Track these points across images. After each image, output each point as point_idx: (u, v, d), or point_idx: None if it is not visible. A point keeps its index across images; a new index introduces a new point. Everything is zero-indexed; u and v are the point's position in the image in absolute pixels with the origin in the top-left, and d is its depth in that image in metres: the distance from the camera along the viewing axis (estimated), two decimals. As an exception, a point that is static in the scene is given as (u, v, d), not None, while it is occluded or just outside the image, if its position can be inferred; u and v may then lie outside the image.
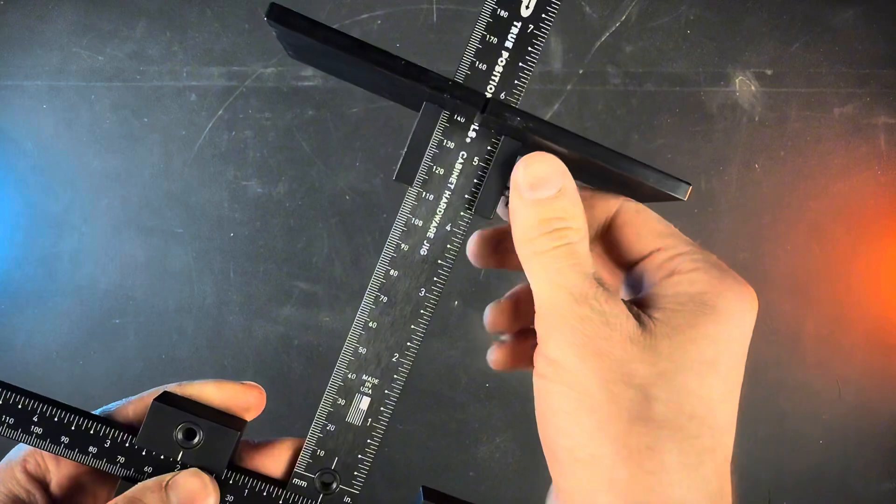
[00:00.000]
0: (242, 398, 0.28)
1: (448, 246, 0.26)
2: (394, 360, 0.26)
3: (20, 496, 0.25)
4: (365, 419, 0.26)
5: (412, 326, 0.26)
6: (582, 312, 0.22)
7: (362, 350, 0.26)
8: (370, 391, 0.26)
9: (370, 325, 0.26)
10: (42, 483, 0.26)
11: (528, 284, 0.24)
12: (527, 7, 0.24)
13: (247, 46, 0.84)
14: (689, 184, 0.26)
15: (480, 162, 0.25)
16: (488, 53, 0.24)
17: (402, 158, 0.25)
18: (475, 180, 0.25)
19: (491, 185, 0.25)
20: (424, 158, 0.25)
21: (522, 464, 0.78)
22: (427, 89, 0.23)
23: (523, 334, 0.31)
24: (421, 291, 0.25)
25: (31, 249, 0.81)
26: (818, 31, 0.82)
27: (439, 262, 0.26)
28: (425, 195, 0.25)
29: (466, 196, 0.25)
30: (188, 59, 0.84)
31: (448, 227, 0.25)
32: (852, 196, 0.79)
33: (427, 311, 0.26)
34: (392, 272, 0.25)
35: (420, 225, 0.25)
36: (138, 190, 0.82)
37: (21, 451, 0.27)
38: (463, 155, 0.25)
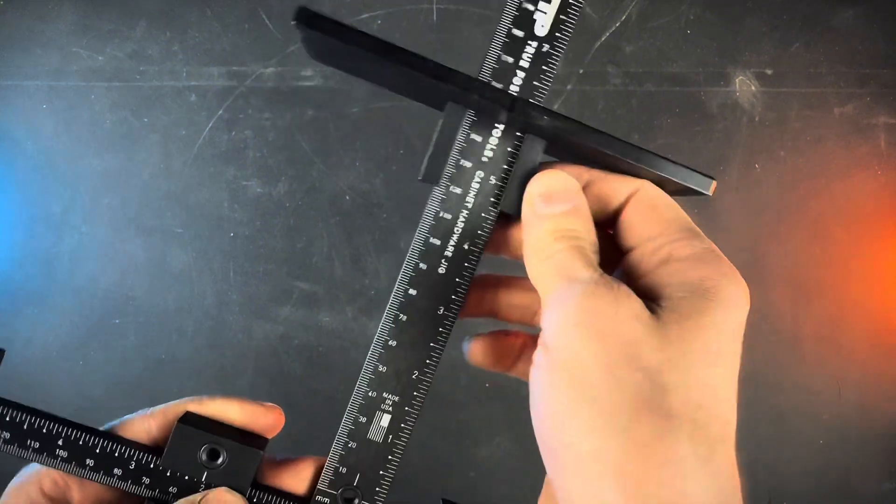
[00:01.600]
0: (263, 419, 0.27)
1: (467, 264, 0.26)
2: (413, 377, 0.26)
3: None
4: (386, 436, 0.26)
5: (431, 344, 0.26)
6: (587, 290, 0.22)
7: (382, 368, 0.26)
8: (391, 408, 0.26)
9: (390, 343, 0.26)
10: (62, 503, 0.26)
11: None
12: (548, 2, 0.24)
13: (247, 46, 0.84)
14: (713, 178, 0.26)
15: (505, 160, 0.25)
16: (514, 48, 0.24)
17: (427, 158, 0.26)
18: (500, 179, 0.25)
19: (515, 182, 0.25)
20: (450, 158, 0.25)
21: (522, 464, 0.78)
22: (455, 89, 0.23)
23: (504, 334, 0.30)
24: (440, 310, 0.26)
25: (31, 249, 0.81)
26: (818, 31, 0.82)
27: (457, 280, 0.26)
28: (452, 189, 0.26)
29: (491, 199, 0.25)
30: (188, 59, 0.84)
31: (473, 229, 0.26)
32: (852, 196, 0.79)
33: (446, 328, 0.26)
34: (411, 291, 0.26)
35: (449, 218, 0.26)
36: (138, 190, 0.82)
37: (32, 470, 0.26)
38: (488, 154, 0.25)
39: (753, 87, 0.81)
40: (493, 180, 0.25)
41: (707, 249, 0.24)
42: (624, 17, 0.83)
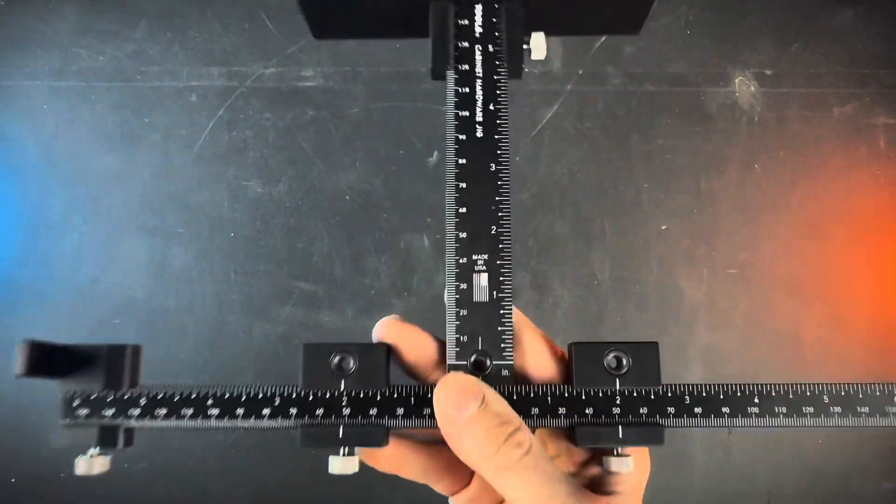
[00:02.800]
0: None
1: (499, 121, 0.28)
2: (493, 231, 0.28)
3: None
4: (490, 293, 0.27)
5: (496, 198, 0.28)
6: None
7: (462, 234, 0.28)
8: (484, 267, 0.27)
9: (461, 210, 0.28)
10: None
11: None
12: None
13: (247, 47, 0.84)
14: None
15: (494, 27, 0.29)
16: None
17: (432, 55, 0.28)
18: (495, 45, 0.29)
19: (512, 43, 0.29)
20: (450, 44, 0.29)
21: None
22: None
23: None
24: (492, 167, 0.28)
25: (31, 249, 0.81)
26: (818, 31, 0.82)
27: (496, 137, 0.28)
28: (462, 67, 0.29)
29: (496, 62, 0.29)
30: (188, 60, 0.84)
31: (492, 106, 0.28)
32: (852, 196, 0.79)
33: (503, 182, 0.28)
34: (461, 160, 0.28)
35: (468, 91, 0.29)
36: (138, 190, 0.82)
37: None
38: (478, 31, 0.29)
39: (753, 88, 0.81)
40: (490, 48, 0.29)
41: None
42: (624, 18, 0.83)
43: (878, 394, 0.26)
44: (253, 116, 0.83)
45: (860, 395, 0.26)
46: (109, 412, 0.26)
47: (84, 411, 0.26)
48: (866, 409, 0.26)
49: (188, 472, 0.77)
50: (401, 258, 0.78)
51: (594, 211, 0.79)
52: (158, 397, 0.26)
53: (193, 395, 0.26)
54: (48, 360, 0.26)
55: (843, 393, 0.26)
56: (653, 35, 0.82)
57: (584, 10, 0.30)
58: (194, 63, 0.84)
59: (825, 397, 0.26)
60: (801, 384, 0.27)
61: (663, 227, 0.79)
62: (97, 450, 0.25)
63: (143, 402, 0.26)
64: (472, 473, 0.29)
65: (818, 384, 0.27)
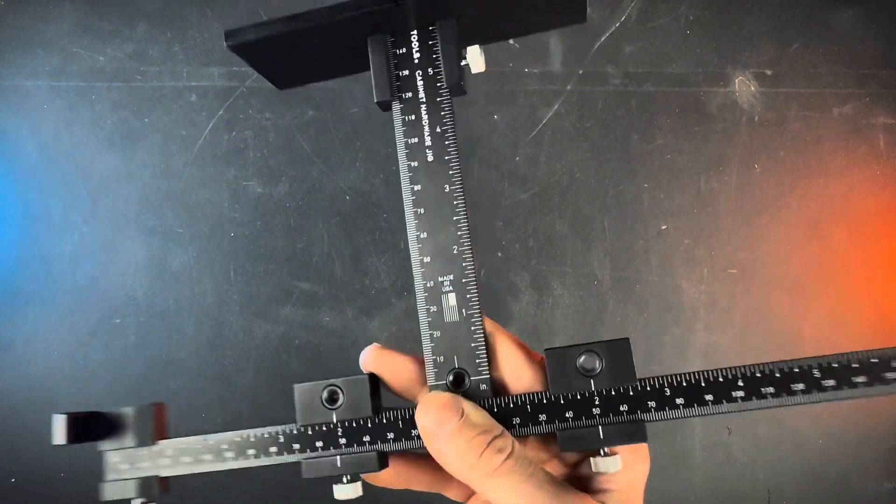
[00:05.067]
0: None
1: (447, 143, 0.29)
2: (455, 251, 0.28)
3: None
4: (459, 311, 0.28)
5: (454, 218, 0.28)
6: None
7: (426, 259, 0.28)
8: (451, 287, 0.28)
9: (421, 236, 0.28)
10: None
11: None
12: None
13: (247, 47, 0.84)
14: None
15: (431, 50, 0.29)
16: None
17: (374, 86, 0.29)
18: (434, 67, 0.29)
19: (447, 59, 0.29)
20: (390, 74, 0.29)
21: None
22: (361, 12, 0.27)
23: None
24: (446, 188, 0.28)
25: (31, 249, 0.81)
26: (818, 31, 0.82)
27: (445, 158, 0.29)
28: (405, 95, 0.29)
29: (437, 84, 0.29)
30: (188, 60, 0.84)
31: (438, 129, 0.29)
32: (852, 196, 0.79)
33: (458, 203, 0.28)
34: (416, 187, 0.29)
35: (413, 118, 0.29)
36: (139, 190, 0.82)
37: None
38: (416, 56, 0.29)
39: (753, 88, 0.81)
40: (430, 70, 0.29)
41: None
42: (623, 18, 0.83)
43: (874, 360, 0.25)
44: (253, 116, 0.83)
45: (855, 365, 0.25)
46: (145, 465, 0.30)
47: (124, 467, 0.30)
48: (863, 379, 0.25)
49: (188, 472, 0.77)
50: (401, 258, 0.78)
51: (594, 211, 0.79)
52: (182, 448, 0.30)
53: (211, 442, 0.30)
54: (84, 427, 0.29)
55: (834, 364, 0.25)
56: (653, 35, 0.82)
57: (519, 10, 0.29)
58: (194, 63, 0.84)
59: (815, 371, 0.25)
60: (787, 361, 0.26)
61: (663, 227, 0.79)
62: (140, 500, 0.30)
63: (170, 451, 0.30)
64: None
65: (807, 359, 0.25)
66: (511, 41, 0.81)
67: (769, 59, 0.82)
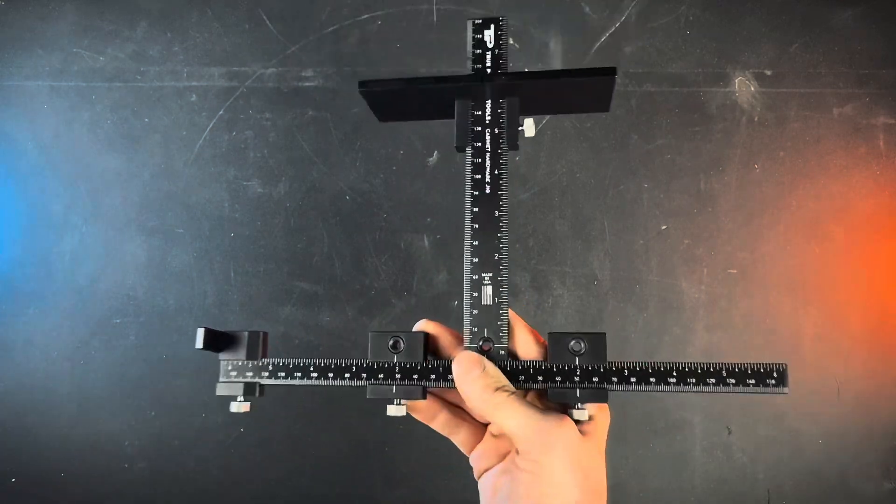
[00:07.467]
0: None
1: (500, 182, 0.41)
2: (496, 257, 0.40)
3: None
4: (493, 299, 0.39)
5: (498, 235, 0.40)
6: (543, 426, 0.35)
7: (475, 259, 0.40)
8: (490, 281, 0.40)
9: (474, 243, 0.40)
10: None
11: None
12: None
13: (247, 47, 0.84)
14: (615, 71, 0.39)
15: (498, 116, 0.41)
16: (480, 50, 0.42)
17: (455, 134, 0.41)
18: (498, 127, 0.41)
19: (509, 127, 0.41)
20: (469, 127, 0.41)
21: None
22: (456, 86, 0.41)
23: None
24: (495, 213, 0.40)
25: (31, 249, 0.81)
26: (818, 31, 0.82)
27: (498, 192, 0.41)
28: (475, 143, 0.41)
29: (500, 140, 0.41)
30: (189, 60, 0.84)
31: (496, 171, 0.41)
32: (851, 196, 0.79)
33: (502, 219, 0.40)
34: (475, 209, 0.40)
35: (479, 161, 0.41)
36: (139, 190, 0.82)
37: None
38: (488, 118, 0.41)
39: (753, 88, 0.81)
40: (496, 130, 0.41)
41: None
42: (623, 18, 0.83)
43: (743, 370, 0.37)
44: (253, 116, 0.83)
45: (735, 370, 0.37)
46: (250, 374, 0.40)
47: (234, 373, 0.40)
48: (733, 381, 0.37)
49: (188, 472, 0.77)
50: (401, 258, 0.78)
51: (594, 211, 0.79)
52: (280, 365, 0.41)
53: (301, 364, 0.41)
54: (213, 340, 0.39)
55: (722, 371, 0.37)
56: (653, 35, 0.82)
57: (564, 98, 0.42)
58: (194, 63, 0.84)
59: (723, 372, 0.38)
60: (700, 363, 0.38)
61: (663, 227, 0.79)
62: (242, 398, 0.39)
63: (270, 367, 0.40)
64: (483, 432, 0.41)
65: (713, 363, 0.38)
66: (511, 41, 0.81)
67: (769, 59, 0.82)
